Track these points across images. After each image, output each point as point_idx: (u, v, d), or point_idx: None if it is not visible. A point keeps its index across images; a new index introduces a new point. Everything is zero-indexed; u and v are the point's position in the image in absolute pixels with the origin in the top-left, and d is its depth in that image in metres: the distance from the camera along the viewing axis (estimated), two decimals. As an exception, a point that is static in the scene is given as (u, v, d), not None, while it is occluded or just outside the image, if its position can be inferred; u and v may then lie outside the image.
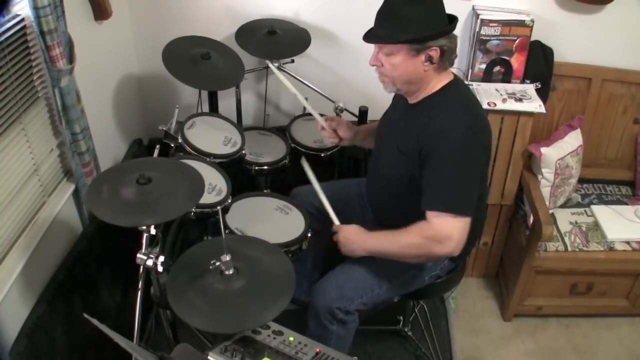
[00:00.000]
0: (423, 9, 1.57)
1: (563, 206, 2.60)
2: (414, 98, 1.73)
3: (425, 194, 1.64)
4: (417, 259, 1.73)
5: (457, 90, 1.70)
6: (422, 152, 1.63)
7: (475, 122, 1.66)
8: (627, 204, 2.62)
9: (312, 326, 1.82)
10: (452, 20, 1.63)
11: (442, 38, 1.59)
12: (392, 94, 1.93)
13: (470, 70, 2.45)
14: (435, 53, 1.59)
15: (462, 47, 2.45)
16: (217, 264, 1.42)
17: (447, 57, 1.63)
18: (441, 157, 1.60)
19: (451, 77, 1.70)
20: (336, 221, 1.87)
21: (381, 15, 1.62)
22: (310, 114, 2.45)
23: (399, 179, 1.75)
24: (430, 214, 1.62)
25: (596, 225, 2.50)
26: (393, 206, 1.84)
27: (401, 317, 2.38)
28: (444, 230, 1.61)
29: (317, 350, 1.41)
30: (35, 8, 1.51)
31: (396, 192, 1.80)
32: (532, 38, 2.39)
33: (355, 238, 1.78)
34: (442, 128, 1.61)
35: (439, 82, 1.68)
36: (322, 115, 2.07)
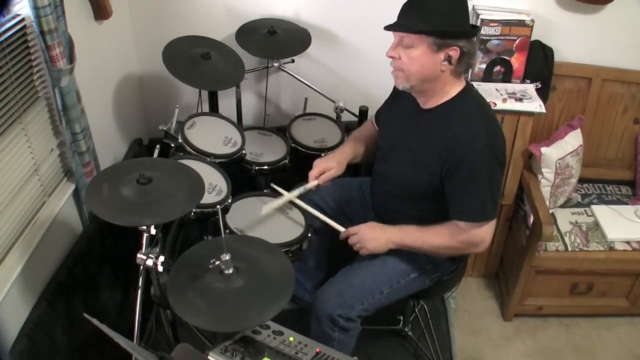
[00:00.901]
0: (450, 4, 1.56)
1: (563, 206, 2.60)
2: (427, 102, 1.71)
3: (456, 205, 1.67)
4: (448, 255, 1.84)
5: (472, 97, 1.70)
6: (447, 163, 1.64)
7: (494, 128, 1.67)
8: (627, 203, 2.62)
9: (315, 332, 1.81)
10: (474, 27, 1.65)
11: (464, 40, 1.58)
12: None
13: (470, 70, 2.45)
14: (454, 53, 1.58)
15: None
16: (217, 263, 1.42)
17: (465, 60, 1.62)
18: (469, 171, 1.61)
19: (464, 84, 1.70)
20: (341, 229, 1.85)
21: (405, 6, 1.61)
22: (311, 114, 2.47)
23: (414, 185, 1.76)
24: (462, 223, 1.67)
25: (596, 225, 2.50)
26: (401, 210, 1.83)
27: (401, 317, 2.38)
28: (478, 236, 1.69)
29: (317, 350, 1.41)
30: (36, 8, 1.51)
31: (408, 197, 1.80)
32: (533, 38, 2.39)
33: (379, 235, 1.78)
34: (466, 140, 1.61)
35: (453, 87, 1.67)
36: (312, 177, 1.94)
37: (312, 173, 1.91)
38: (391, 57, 1.65)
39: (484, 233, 1.69)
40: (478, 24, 2.34)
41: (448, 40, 1.57)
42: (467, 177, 1.62)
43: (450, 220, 1.70)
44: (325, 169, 1.91)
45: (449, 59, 1.59)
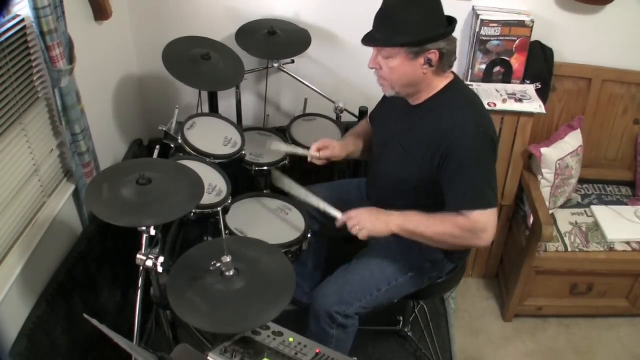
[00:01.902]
0: (421, 12, 1.56)
1: (563, 206, 2.60)
2: (416, 99, 1.72)
3: (453, 195, 1.65)
4: (449, 246, 1.77)
5: (459, 89, 1.71)
6: (437, 154, 1.63)
7: (483, 116, 1.67)
8: (626, 204, 2.62)
9: (312, 330, 1.81)
10: (451, 22, 1.62)
11: (441, 40, 1.58)
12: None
13: (470, 71, 2.45)
14: (434, 56, 1.59)
15: (462, 47, 2.45)
16: (218, 264, 1.42)
17: (446, 59, 1.62)
18: (461, 157, 1.60)
19: (451, 77, 1.70)
20: (338, 214, 1.79)
21: (378, 18, 1.62)
22: (310, 114, 2.47)
23: (405, 180, 1.75)
24: (464, 211, 1.64)
25: (596, 226, 2.50)
26: (396, 207, 1.83)
27: (401, 318, 2.38)
28: (479, 224, 1.63)
29: (317, 350, 1.41)
30: (35, 8, 1.51)
31: (402, 194, 1.79)
32: (532, 38, 2.39)
33: (379, 216, 1.71)
34: (454, 128, 1.61)
35: (440, 82, 1.68)
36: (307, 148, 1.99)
37: (314, 145, 1.91)
38: (372, 68, 1.68)
39: (486, 221, 1.63)
40: (478, 24, 2.34)
41: (425, 45, 1.57)
42: (459, 164, 1.61)
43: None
44: (329, 145, 1.91)
45: (428, 62, 1.60)
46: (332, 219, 1.81)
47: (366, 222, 1.71)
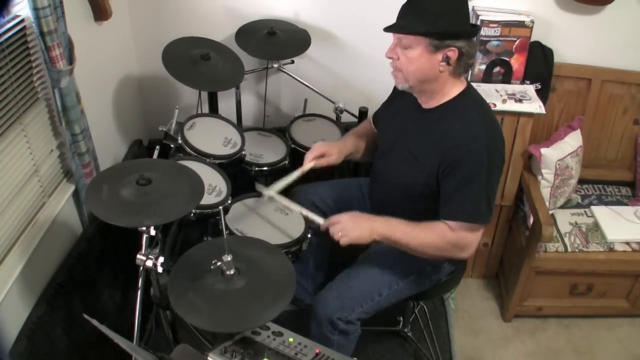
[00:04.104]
0: (447, 5, 1.56)
1: (563, 207, 2.60)
2: (428, 102, 1.71)
3: (450, 205, 1.65)
4: (431, 257, 1.76)
5: (472, 98, 1.70)
6: (444, 163, 1.63)
7: (494, 130, 1.66)
8: (627, 204, 2.63)
9: (314, 335, 1.79)
10: (474, 27, 1.64)
11: (462, 40, 1.57)
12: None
13: (470, 71, 2.45)
14: (453, 54, 1.58)
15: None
16: (219, 264, 1.42)
17: (464, 61, 1.61)
18: (467, 171, 1.60)
19: (465, 85, 1.69)
20: (320, 220, 1.76)
21: (405, 7, 1.61)
22: (310, 115, 2.47)
23: (411, 185, 1.75)
24: (453, 224, 1.65)
25: (596, 226, 2.50)
26: (398, 210, 1.82)
27: (401, 318, 2.38)
28: (466, 239, 1.66)
29: (317, 351, 1.41)
30: (35, 9, 1.51)
31: (405, 197, 1.79)
32: (532, 39, 2.39)
33: (363, 223, 1.69)
34: (465, 141, 1.60)
35: (453, 88, 1.67)
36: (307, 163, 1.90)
37: (310, 154, 1.87)
38: (390, 57, 1.66)
39: (472, 238, 1.66)
40: (478, 24, 2.34)
41: (446, 41, 1.56)
42: (464, 178, 1.61)
43: (440, 220, 1.68)
44: (326, 153, 1.88)
45: (447, 59, 1.59)
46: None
47: (348, 229, 1.68)
